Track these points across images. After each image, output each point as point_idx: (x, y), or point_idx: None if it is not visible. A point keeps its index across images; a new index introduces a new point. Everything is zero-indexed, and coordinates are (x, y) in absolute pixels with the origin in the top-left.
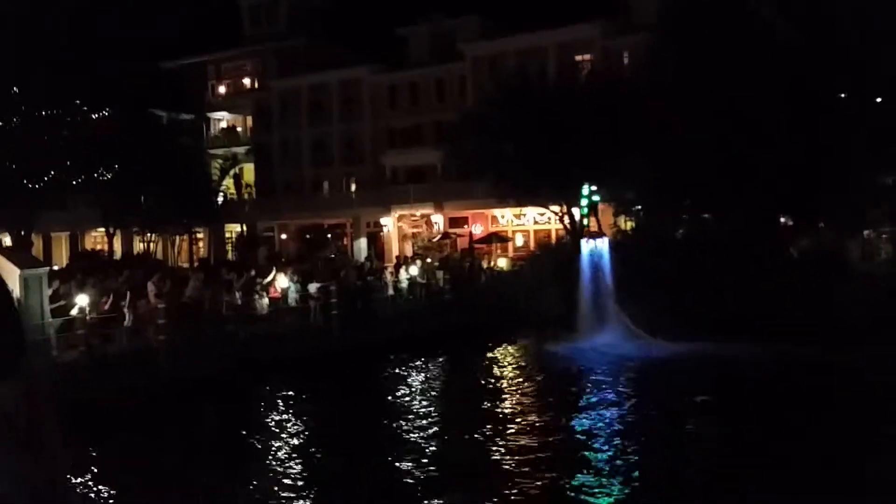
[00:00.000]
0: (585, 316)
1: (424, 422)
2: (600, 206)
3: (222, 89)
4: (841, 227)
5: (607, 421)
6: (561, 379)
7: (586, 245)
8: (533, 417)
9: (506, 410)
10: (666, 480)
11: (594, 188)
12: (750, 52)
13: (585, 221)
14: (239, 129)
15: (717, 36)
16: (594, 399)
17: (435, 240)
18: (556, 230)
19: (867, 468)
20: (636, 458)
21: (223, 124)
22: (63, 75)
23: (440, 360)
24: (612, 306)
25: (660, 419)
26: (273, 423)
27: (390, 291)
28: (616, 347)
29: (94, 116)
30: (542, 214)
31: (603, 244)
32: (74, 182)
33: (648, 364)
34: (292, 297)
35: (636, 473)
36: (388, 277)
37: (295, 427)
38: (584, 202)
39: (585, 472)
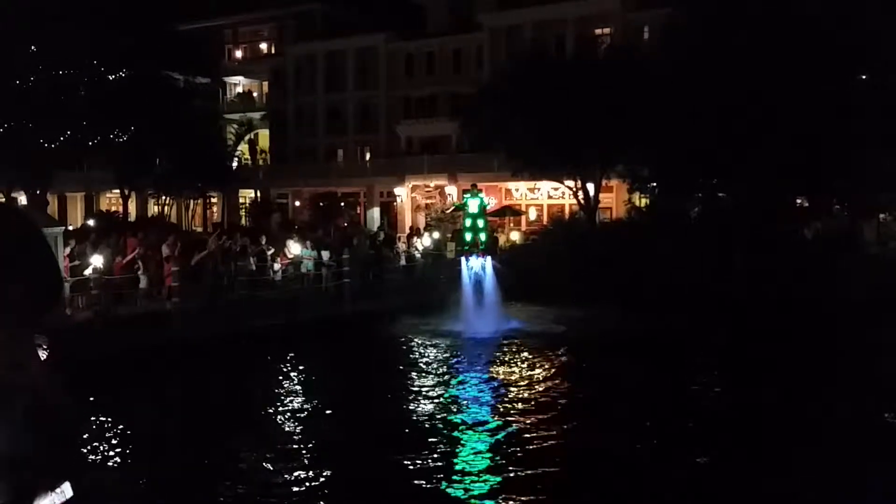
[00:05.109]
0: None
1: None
2: (616, 183)
3: (239, 54)
4: (855, 210)
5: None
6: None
7: (469, 260)
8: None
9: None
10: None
11: (484, 195)
12: (770, 27)
13: (481, 231)
14: (255, 94)
15: (738, 9)
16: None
17: (448, 211)
18: (570, 205)
19: None
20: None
21: (239, 89)
22: (81, 36)
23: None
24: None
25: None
26: (279, 383)
27: (402, 262)
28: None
29: (110, 78)
30: (556, 189)
31: (485, 260)
32: (90, 143)
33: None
34: (306, 264)
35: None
36: (401, 247)
37: (298, 386)
38: (476, 205)
39: None
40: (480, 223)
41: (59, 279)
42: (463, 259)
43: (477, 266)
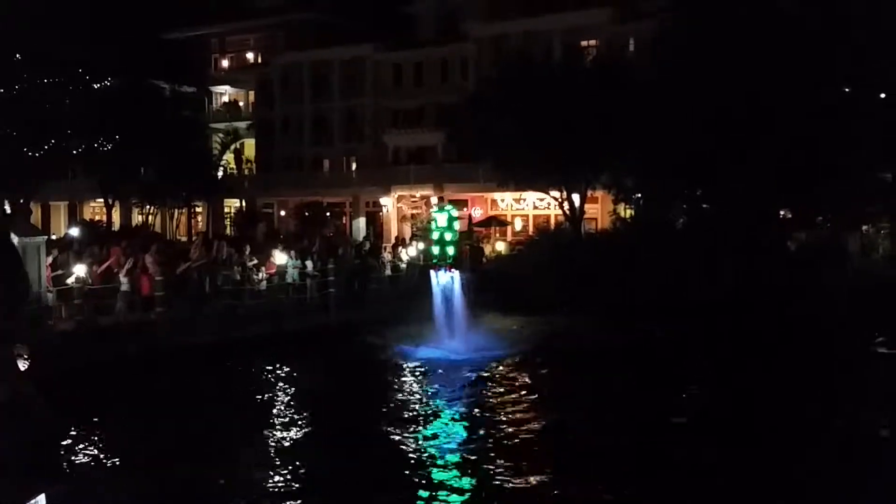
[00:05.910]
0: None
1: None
2: (601, 194)
3: (225, 63)
4: (839, 222)
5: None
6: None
7: (437, 275)
8: None
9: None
10: None
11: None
12: (759, 39)
13: (448, 245)
14: (241, 103)
15: (727, 20)
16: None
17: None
18: (556, 216)
19: None
20: None
21: (225, 98)
22: (66, 44)
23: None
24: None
25: None
26: (261, 392)
27: (387, 271)
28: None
29: (96, 86)
30: (541, 199)
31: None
32: (75, 151)
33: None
34: (291, 273)
35: None
36: (386, 257)
37: (281, 397)
38: (444, 219)
39: None
40: (448, 236)
41: (28, 286)
42: (432, 273)
43: (445, 280)
